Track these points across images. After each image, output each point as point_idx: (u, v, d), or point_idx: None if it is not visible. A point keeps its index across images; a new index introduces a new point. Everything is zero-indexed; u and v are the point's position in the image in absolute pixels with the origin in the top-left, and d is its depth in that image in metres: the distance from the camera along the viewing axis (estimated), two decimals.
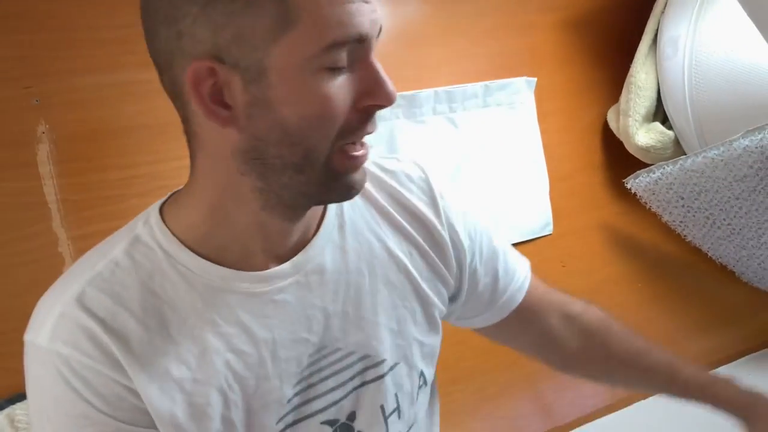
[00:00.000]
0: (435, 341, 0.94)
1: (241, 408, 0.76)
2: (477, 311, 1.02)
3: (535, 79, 1.83)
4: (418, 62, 1.69)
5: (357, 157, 0.73)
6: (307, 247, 0.82)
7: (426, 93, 1.67)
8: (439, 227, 0.91)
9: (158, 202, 0.81)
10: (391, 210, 0.90)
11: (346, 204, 0.87)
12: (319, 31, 0.64)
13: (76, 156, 1.31)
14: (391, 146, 1.62)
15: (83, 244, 1.30)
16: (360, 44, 0.67)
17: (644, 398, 1.98)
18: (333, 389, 0.83)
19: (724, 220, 1.77)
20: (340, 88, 0.67)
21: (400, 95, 1.63)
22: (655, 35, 1.81)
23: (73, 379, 0.69)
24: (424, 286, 0.90)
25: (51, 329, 0.69)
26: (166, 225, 0.77)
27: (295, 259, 0.80)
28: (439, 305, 0.93)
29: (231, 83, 0.66)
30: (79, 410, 0.69)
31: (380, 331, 0.86)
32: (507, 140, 1.80)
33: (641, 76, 1.79)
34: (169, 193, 0.83)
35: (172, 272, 0.75)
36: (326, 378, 0.82)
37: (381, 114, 1.57)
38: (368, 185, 0.90)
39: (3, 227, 1.25)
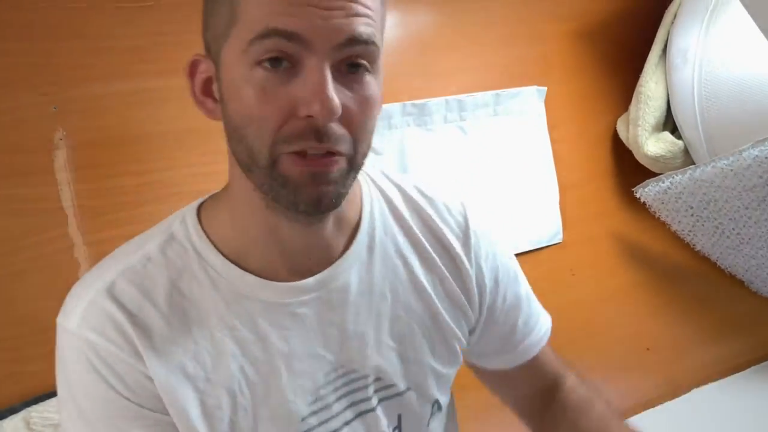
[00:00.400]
0: (452, 371, 0.94)
1: (250, 414, 0.77)
2: (488, 352, 1.01)
3: (546, 88, 1.84)
4: (429, 71, 1.71)
5: (305, 161, 0.68)
6: (335, 265, 0.81)
7: (437, 101, 1.68)
8: (466, 264, 0.90)
9: (197, 202, 0.83)
10: (422, 238, 0.88)
11: (378, 225, 0.86)
12: (249, 25, 0.65)
13: (92, 162, 1.32)
14: (401, 154, 1.64)
15: (99, 249, 1.32)
16: (293, 43, 0.64)
17: (653, 406, 1.98)
18: (346, 408, 0.83)
19: (733, 229, 1.78)
20: (272, 90, 0.66)
21: (411, 103, 1.64)
22: (665, 45, 1.82)
23: (99, 365, 0.71)
24: (446, 316, 0.89)
25: (81, 315, 0.72)
26: (202, 225, 0.79)
27: (320, 275, 0.80)
28: (460, 337, 0.91)
29: (213, 77, 0.72)
30: (104, 394, 0.72)
31: (395, 356, 0.86)
32: (517, 149, 1.81)
33: (651, 85, 1.80)
34: (209, 194, 0.85)
35: (201, 273, 0.77)
36: (341, 398, 0.82)
37: (392, 122, 1.60)
38: (404, 209, 0.90)
39: (20, 232, 1.27)
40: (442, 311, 0.89)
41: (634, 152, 1.83)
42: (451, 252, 0.90)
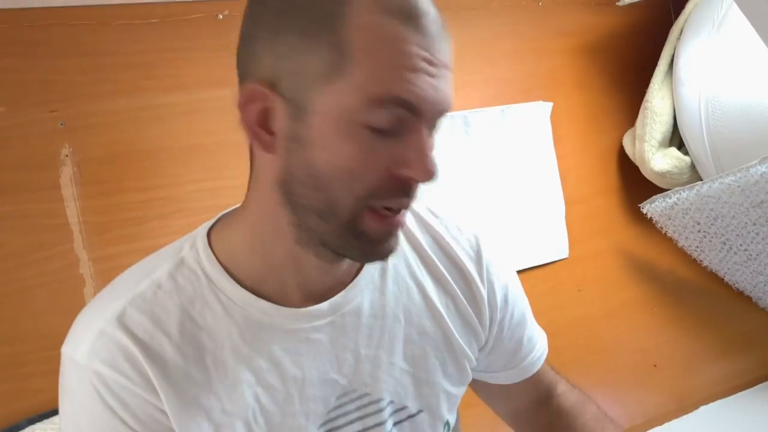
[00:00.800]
0: (462, 390, 0.94)
1: None
2: (493, 368, 1.00)
3: (552, 103, 1.84)
4: None
5: (388, 220, 0.70)
6: (347, 289, 0.81)
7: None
8: (479, 283, 0.90)
9: (206, 225, 0.81)
10: (434, 257, 0.88)
11: None
12: (366, 85, 0.63)
13: (98, 178, 1.33)
14: None
15: (104, 265, 1.32)
16: (408, 112, 0.65)
17: (660, 423, 1.97)
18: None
19: (741, 245, 1.77)
20: (375, 150, 0.66)
21: None
22: (671, 61, 1.82)
23: (110, 398, 0.69)
24: (459, 337, 0.88)
25: (90, 346, 0.70)
26: (212, 249, 0.77)
27: (333, 299, 0.79)
28: (470, 356, 0.91)
29: (278, 112, 0.68)
30: (113, 429, 0.70)
31: (407, 378, 0.85)
32: (523, 164, 1.80)
33: (657, 101, 1.79)
34: (219, 214, 0.83)
35: (213, 300, 0.75)
36: (352, 422, 0.81)
37: None
38: (415, 228, 0.89)
39: (26, 248, 1.27)
40: (454, 331, 0.88)
41: (641, 168, 1.83)
42: (463, 271, 0.90)
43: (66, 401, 0.73)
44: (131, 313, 0.72)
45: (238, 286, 0.76)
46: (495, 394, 1.06)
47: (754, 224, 1.68)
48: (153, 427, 0.71)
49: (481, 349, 0.95)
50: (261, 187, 0.74)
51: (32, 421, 1.22)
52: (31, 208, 1.28)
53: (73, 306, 1.28)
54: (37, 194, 1.28)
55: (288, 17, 0.66)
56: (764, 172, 1.53)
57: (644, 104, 1.82)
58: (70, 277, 1.30)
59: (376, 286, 0.84)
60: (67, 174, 1.30)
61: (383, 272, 0.85)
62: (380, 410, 0.83)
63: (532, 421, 1.06)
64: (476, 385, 1.06)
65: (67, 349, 0.72)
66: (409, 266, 0.87)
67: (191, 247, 0.78)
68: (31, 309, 1.27)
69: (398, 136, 0.66)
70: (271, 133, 0.69)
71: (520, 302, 0.98)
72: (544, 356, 1.03)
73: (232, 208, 0.83)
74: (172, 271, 0.76)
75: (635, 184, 1.92)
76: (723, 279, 1.96)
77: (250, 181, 0.77)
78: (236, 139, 1.41)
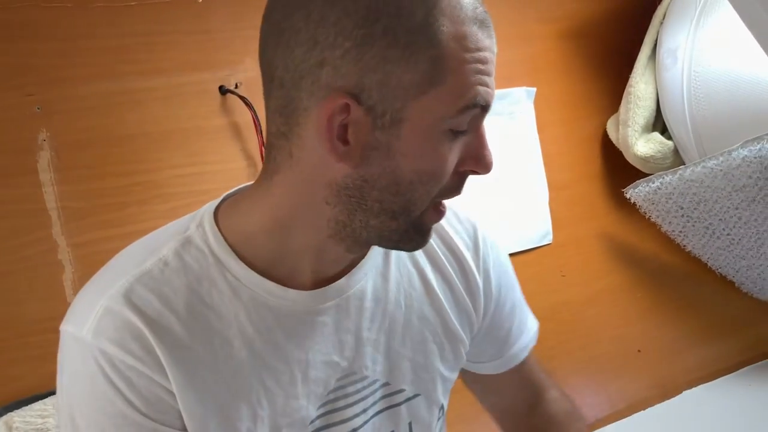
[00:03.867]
0: (456, 375, 0.95)
1: (267, 424, 0.76)
2: (482, 358, 1.01)
3: (535, 88, 1.84)
4: None
5: (443, 213, 0.75)
6: (352, 272, 0.81)
7: None
8: (474, 272, 0.91)
9: (212, 204, 0.80)
10: (433, 244, 0.89)
11: None
12: (459, 95, 0.65)
13: (76, 164, 1.31)
14: None
15: (83, 251, 1.30)
16: (481, 113, 0.69)
17: (643, 408, 1.98)
18: (356, 415, 0.82)
19: (724, 230, 1.77)
20: (454, 151, 0.69)
21: None
22: (655, 46, 1.82)
23: (116, 378, 0.67)
24: (456, 323, 0.90)
25: (95, 324, 0.68)
26: (220, 229, 0.76)
27: (338, 283, 0.79)
28: (465, 341, 0.92)
29: (360, 123, 0.66)
30: (118, 409, 0.68)
31: (405, 363, 0.86)
32: (507, 150, 1.80)
33: (640, 86, 1.79)
34: (224, 195, 0.81)
35: (221, 280, 0.74)
36: (351, 404, 0.82)
37: None
38: None
39: (3, 234, 1.25)
40: (452, 317, 0.89)
41: (624, 153, 1.83)
42: (461, 260, 0.91)
43: (66, 381, 0.72)
44: (138, 290, 0.70)
45: (246, 267, 0.75)
46: (483, 387, 1.07)
47: (737, 208, 1.69)
48: (159, 408, 0.70)
49: (473, 338, 0.95)
50: (305, 184, 0.72)
51: (9, 408, 1.21)
52: (8, 193, 1.26)
53: (52, 292, 1.29)
54: (14, 179, 1.26)
55: (375, 27, 0.63)
56: (746, 156, 1.54)
57: (628, 89, 1.81)
58: (49, 263, 1.28)
59: (379, 271, 0.84)
60: (44, 159, 1.28)
61: (386, 257, 0.85)
62: (378, 393, 0.84)
63: (518, 421, 1.07)
64: (466, 378, 1.06)
65: (68, 327, 0.70)
66: (410, 253, 0.87)
67: (197, 226, 0.76)
68: (9, 295, 1.25)
69: (465, 135, 0.70)
70: (346, 142, 0.67)
71: (512, 291, 0.99)
72: (532, 344, 1.04)
73: (237, 188, 0.82)
74: (179, 250, 0.74)
75: (619, 170, 1.92)
76: (706, 264, 1.97)
77: (278, 174, 0.73)
78: (216, 124, 1.43)
